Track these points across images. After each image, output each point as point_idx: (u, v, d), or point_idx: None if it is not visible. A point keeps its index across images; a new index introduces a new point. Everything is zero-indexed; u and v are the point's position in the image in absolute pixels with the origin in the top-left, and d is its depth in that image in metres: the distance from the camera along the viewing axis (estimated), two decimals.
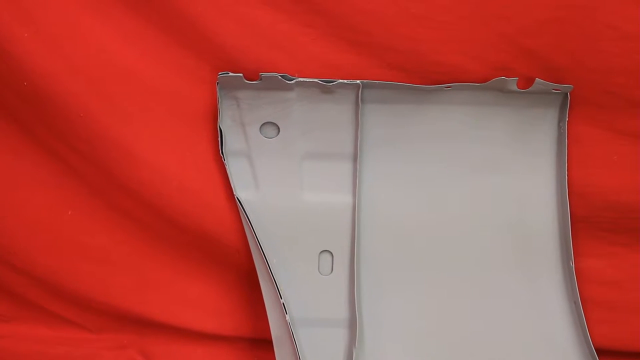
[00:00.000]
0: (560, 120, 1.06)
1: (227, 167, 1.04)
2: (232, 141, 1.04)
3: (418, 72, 1.03)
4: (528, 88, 1.03)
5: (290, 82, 1.00)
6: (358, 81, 1.01)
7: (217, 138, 1.03)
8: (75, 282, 1.10)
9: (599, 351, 1.05)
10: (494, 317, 1.08)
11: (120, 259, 1.10)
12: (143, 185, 1.04)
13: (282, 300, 1.01)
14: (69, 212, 1.09)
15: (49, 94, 1.00)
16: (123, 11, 1.00)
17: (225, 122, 1.04)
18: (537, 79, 1.02)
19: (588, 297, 1.07)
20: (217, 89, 1.01)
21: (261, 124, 1.04)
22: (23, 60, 0.98)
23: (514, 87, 1.02)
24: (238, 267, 1.09)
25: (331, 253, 1.07)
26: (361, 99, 1.02)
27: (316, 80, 1.01)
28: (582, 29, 1.00)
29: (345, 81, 1.01)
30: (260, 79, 0.99)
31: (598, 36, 1.00)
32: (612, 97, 1.03)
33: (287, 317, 1.00)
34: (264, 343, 1.10)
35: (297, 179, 1.06)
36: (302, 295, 1.05)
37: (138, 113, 1.03)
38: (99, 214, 1.09)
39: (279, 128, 1.05)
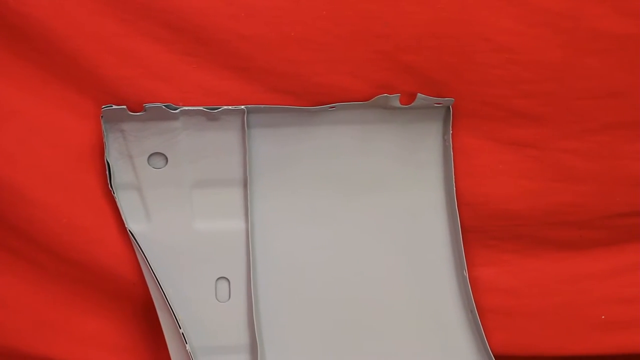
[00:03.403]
0: (445, 133, 1.08)
1: (117, 200, 1.03)
2: (120, 174, 1.04)
3: (302, 94, 1.03)
4: (411, 103, 1.04)
5: (174, 111, 1.00)
6: (243, 106, 1.01)
7: (105, 172, 1.02)
8: None
9: (498, 358, 1.07)
10: (394, 332, 1.09)
11: (14, 300, 1.07)
12: (33, 224, 1.02)
13: (181, 330, 1.00)
14: None
15: None
16: None
17: (113, 155, 1.03)
18: (418, 94, 1.03)
19: (484, 306, 1.09)
20: (102, 123, 1.00)
21: (149, 154, 1.04)
22: None
23: (397, 104, 1.04)
24: (135, 300, 1.08)
25: (227, 279, 1.06)
26: (247, 124, 1.02)
27: (201, 108, 1.00)
28: (458, 42, 1.01)
29: (230, 107, 1.01)
30: (145, 110, 0.99)
31: (474, 49, 1.01)
32: (492, 107, 1.04)
33: (188, 346, 1.00)
34: None
35: (188, 207, 1.06)
36: (201, 323, 1.05)
37: (23, 152, 1.02)
38: None
39: (167, 158, 1.04)
